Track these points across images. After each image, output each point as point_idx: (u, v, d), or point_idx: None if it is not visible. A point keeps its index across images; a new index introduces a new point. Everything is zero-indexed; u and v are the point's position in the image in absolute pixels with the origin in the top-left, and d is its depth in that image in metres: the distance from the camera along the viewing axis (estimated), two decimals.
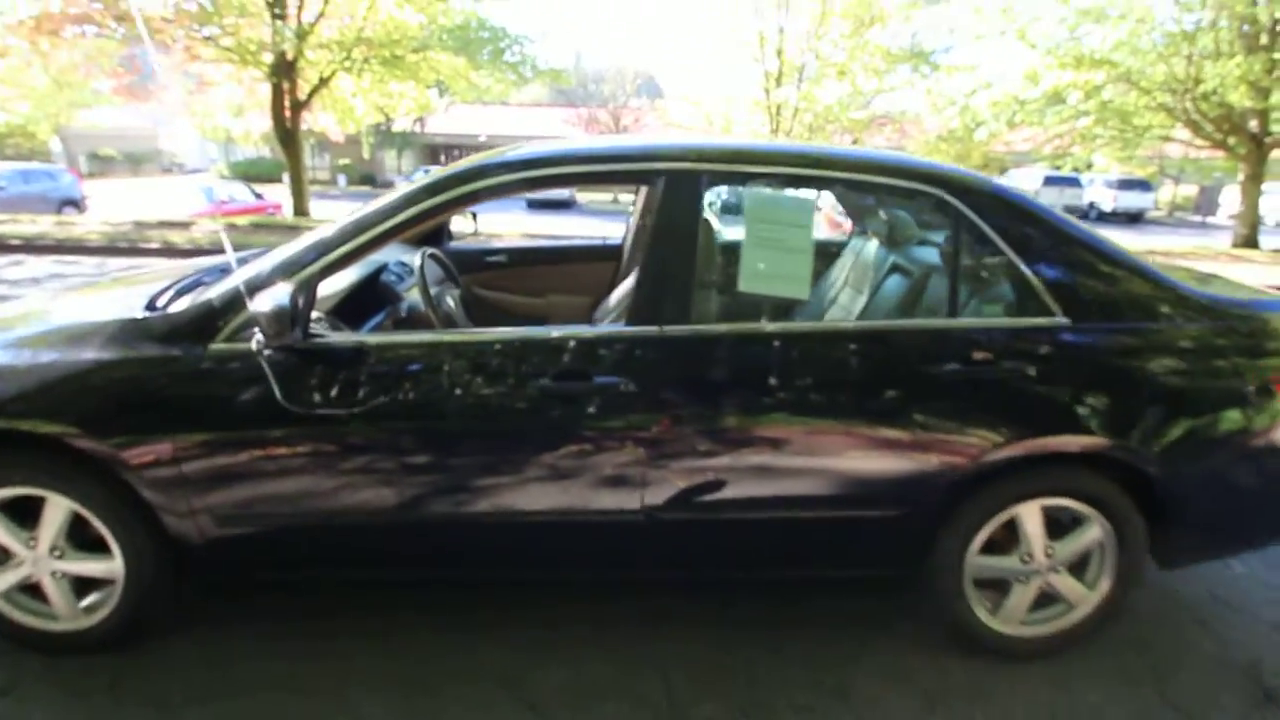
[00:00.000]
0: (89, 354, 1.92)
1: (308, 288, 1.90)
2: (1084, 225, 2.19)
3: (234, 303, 1.94)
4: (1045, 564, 2.15)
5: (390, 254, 2.95)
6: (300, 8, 12.77)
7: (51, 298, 2.61)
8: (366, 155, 33.27)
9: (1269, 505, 2.21)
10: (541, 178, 2.11)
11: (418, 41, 13.22)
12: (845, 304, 3.09)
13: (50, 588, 2.06)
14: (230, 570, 2.13)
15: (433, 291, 2.49)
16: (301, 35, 12.47)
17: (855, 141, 18.39)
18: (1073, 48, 11.76)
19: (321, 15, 12.82)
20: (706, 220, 2.05)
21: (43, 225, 11.58)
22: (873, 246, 3.09)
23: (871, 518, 2.07)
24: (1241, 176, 13.68)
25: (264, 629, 2.28)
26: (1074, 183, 25.39)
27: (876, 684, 2.14)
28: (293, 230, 11.97)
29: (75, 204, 16.02)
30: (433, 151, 36.53)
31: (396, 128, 21.41)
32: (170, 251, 10.06)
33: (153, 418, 1.91)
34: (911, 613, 2.42)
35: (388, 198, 2.08)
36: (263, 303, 1.76)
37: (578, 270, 3.67)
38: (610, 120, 33.18)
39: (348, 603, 2.41)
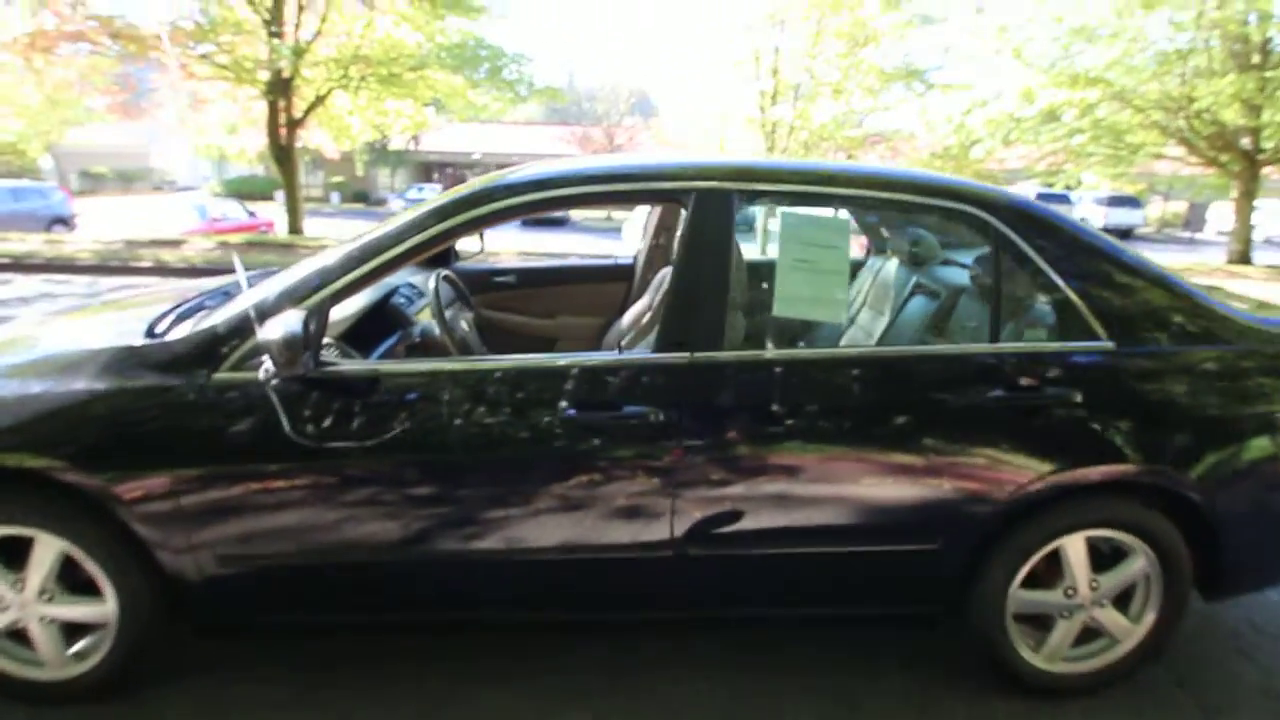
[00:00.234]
0: (81, 384, 1.82)
1: (319, 313, 1.80)
2: (1121, 243, 2.12)
3: (240, 329, 1.84)
4: (1090, 598, 2.06)
5: (398, 275, 2.86)
6: (297, 26, 12.75)
7: (40, 322, 2.49)
8: (360, 173, 33.36)
9: None
10: (560, 198, 2.03)
11: (415, 60, 13.22)
12: (865, 325, 3.01)
13: (37, 633, 1.92)
14: (232, 612, 2.00)
15: (447, 315, 2.38)
16: (298, 53, 12.44)
17: (850, 159, 18.47)
18: (1067, 66, 11.85)
19: (319, 33, 12.81)
20: (736, 242, 1.96)
21: (32, 243, 11.42)
22: (893, 266, 3.02)
23: (913, 551, 1.97)
24: (1235, 193, 13.77)
25: (259, 676, 2.15)
26: (1064, 200, 25.59)
27: None
28: (288, 249, 11.89)
29: (65, 222, 15.86)
30: (426, 169, 36.56)
31: (392, 146, 21.40)
32: (163, 270, 9.92)
33: (151, 451, 1.80)
34: (944, 650, 2.31)
35: (398, 220, 1.99)
36: (273, 330, 1.65)
37: (588, 291, 3.58)
38: (604, 138, 33.32)
39: (347, 648, 2.28)
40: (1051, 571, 2.07)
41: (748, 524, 1.90)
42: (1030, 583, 2.06)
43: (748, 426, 1.88)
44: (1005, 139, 13.20)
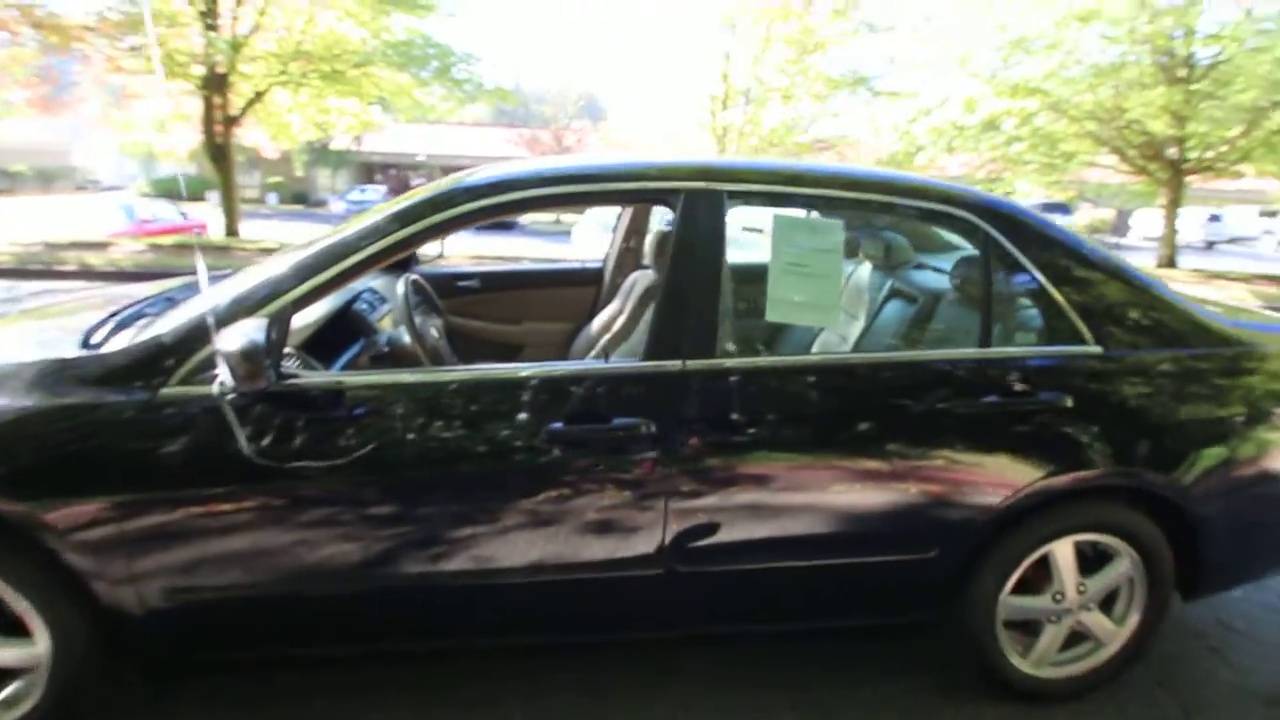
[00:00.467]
0: (3, 401, 1.64)
1: (281, 322, 1.65)
2: (1104, 249, 2.14)
3: (190, 339, 1.68)
4: (1077, 601, 2.06)
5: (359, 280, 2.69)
6: (234, 19, 12.21)
7: None
8: (299, 173, 32.24)
9: None
10: (533, 199, 1.91)
11: (360, 56, 12.80)
12: (840, 329, 2.98)
13: None
14: (181, 647, 1.83)
15: (416, 322, 2.24)
16: (236, 47, 11.91)
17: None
18: (1008, 77, 12.23)
19: (257, 27, 12.28)
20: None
21: None
22: (866, 270, 3.00)
23: (911, 561, 1.93)
24: (1163, 200, 14.44)
25: (220, 715, 1.98)
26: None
27: None
28: (224, 251, 11.37)
29: None
30: (369, 170, 35.63)
31: (333, 146, 20.74)
32: (89, 275, 9.35)
33: (87, 474, 1.63)
34: (930, 658, 2.28)
35: (358, 224, 1.85)
36: (232, 339, 1.50)
37: (554, 296, 3.46)
38: (553, 141, 33.05)
39: (316, 681, 2.12)
40: (1039, 577, 2.05)
41: (743, 538, 1.83)
42: (1018, 589, 2.04)
43: (743, 436, 1.80)
44: (948, 146, 13.54)
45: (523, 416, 1.72)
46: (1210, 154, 12.81)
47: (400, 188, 29.23)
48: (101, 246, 11.42)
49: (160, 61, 11.77)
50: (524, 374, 1.79)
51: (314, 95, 13.65)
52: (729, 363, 1.82)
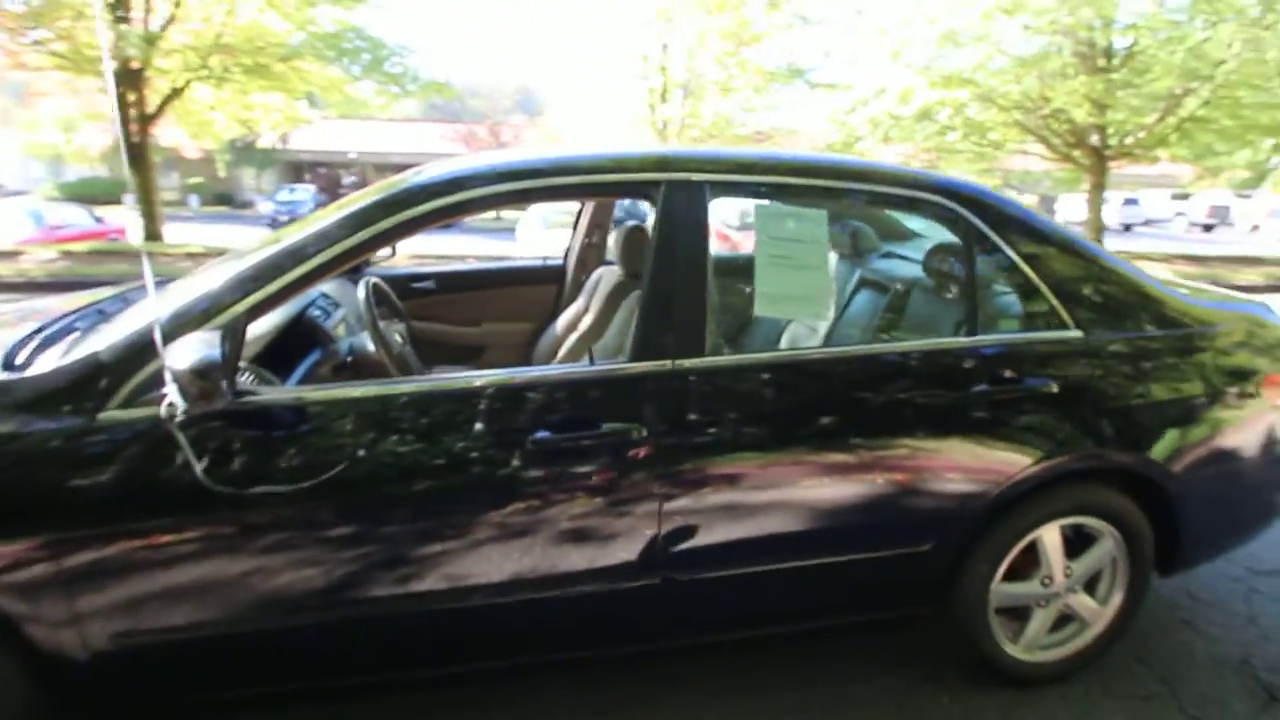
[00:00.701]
0: None
1: (234, 334, 1.50)
2: (1080, 234, 2.15)
3: (131, 356, 1.51)
4: (1064, 585, 2.07)
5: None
6: (148, 10, 11.50)
7: None
8: (222, 173, 30.80)
9: (1259, 499, 2.26)
10: (498, 194, 1.78)
11: (286, 50, 12.24)
12: (809, 321, 2.94)
13: None
14: (132, 694, 1.66)
15: (380, 328, 2.09)
16: (150, 40, 11.22)
17: None
18: (940, 68, 12.53)
19: (173, 19, 11.60)
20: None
21: None
22: (832, 260, 2.97)
23: (904, 555, 1.90)
24: (1087, 186, 15.04)
25: None
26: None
27: None
28: (146, 257, 10.71)
29: None
30: (297, 169, 34.30)
31: (259, 144, 19.85)
32: None
33: (15, 509, 1.46)
34: (919, 651, 2.27)
35: (307, 227, 1.71)
36: (182, 355, 1.35)
37: (515, 295, 3.33)
38: (490, 136, 32.42)
39: (288, 715, 1.97)
40: (1027, 563, 2.06)
41: (740, 542, 1.76)
42: (1007, 576, 2.04)
43: (737, 435, 1.74)
44: (885, 137, 13.80)
45: (509, 425, 1.62)
46: (1129, 140, 13.39)
47: (331, 186, 28.26)
48: (10, 255, 10.64)
49: (67, 56, 11.05)
50: (499, 381, 1.67)
51: (237, 91, 13.00)
52: (720, 360, 1.75)
